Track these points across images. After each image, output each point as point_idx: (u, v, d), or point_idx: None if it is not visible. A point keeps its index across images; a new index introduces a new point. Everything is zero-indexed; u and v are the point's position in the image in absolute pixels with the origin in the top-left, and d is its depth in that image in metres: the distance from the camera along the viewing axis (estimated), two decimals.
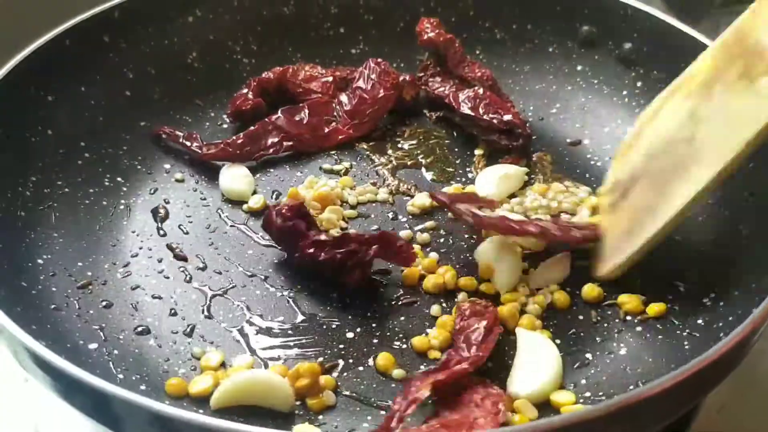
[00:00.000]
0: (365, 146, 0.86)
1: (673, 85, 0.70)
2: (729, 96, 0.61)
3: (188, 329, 0.67)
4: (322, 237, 0.70)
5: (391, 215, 0.78)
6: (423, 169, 0.83)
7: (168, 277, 0.72)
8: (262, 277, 0.72)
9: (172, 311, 0.69)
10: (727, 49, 0.63)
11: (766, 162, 0.71)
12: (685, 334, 0.65)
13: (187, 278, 0.72)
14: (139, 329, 0.67)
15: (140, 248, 0.74)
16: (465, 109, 0.85)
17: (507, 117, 0.83)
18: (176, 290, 0.71)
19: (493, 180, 0.79)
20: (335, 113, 0.88)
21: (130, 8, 0.87)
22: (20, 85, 0.78)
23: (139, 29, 0.89)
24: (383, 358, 0.64)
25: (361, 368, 0.64)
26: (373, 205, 0.79)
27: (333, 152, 0.85)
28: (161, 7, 0.90)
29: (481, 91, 0.86)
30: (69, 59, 0.82)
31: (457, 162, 0.84)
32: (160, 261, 0.73)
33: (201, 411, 0.60)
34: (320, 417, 0.60)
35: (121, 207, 0.78)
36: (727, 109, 0.62)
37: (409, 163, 0.84)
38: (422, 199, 0.79)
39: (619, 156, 0.74)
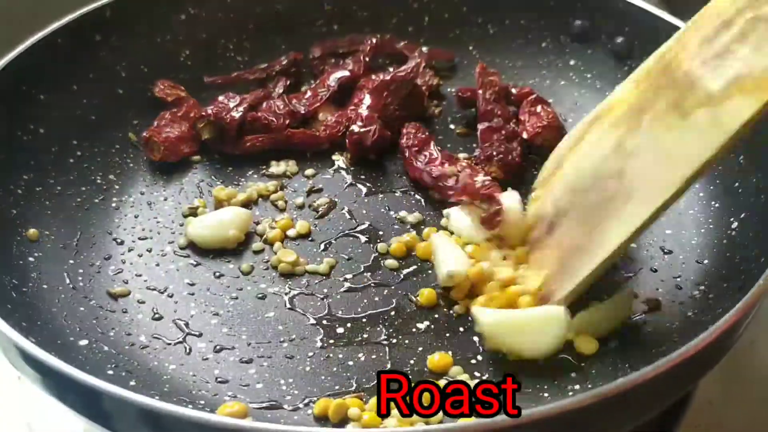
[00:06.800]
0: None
1: (595, 112, 0.66)
2: (660, 128, 0.58)
3: (181, 325, 0.67)
4: None
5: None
6: None
7: (159, 275, 0.72)
8: (250, 274, 0.72)
9: (163, 309, 0.69)
10: (653, 78, 0.60)
11: (756, 157, 0.71)
12: (674, 326, 0.65)
13: (179, 276, 0.72)
14: (129, 326, 0.67)
15: (132, 246, 0.74)
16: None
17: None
18: (167, 287, 0.71)
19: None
20: None
21: (122, 6, 0.88)
22: (12, 83, 0.78)
23: (131, 27, 0.89)
24: None
25: None
26: None
27: None
28: (153, 5, 0.90)
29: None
30: (61, 58, 0.83)
31: None
32: (151, 258, 0.73)
33: (191, 406, 0.60)
34: None
35: (113, 205, 0.78)
36: (660, 143, 0.58)
37: None
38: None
39: (539, 186, 0.70)
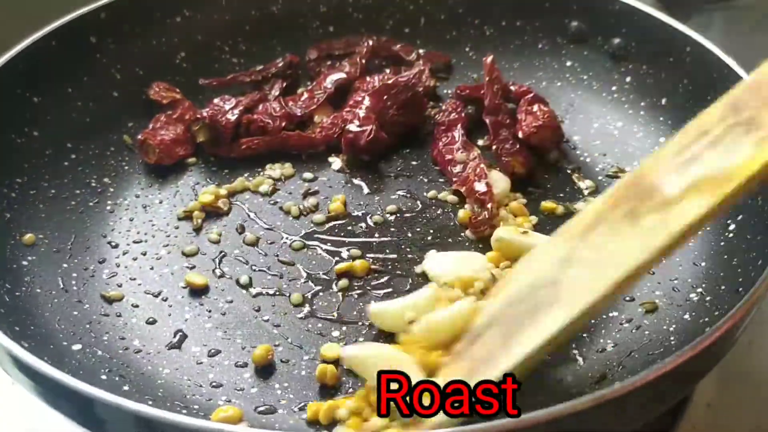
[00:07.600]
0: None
1: (561, 228, 0.59)
2: (608, 236, 0.54)
3: (175, 329, 0.67)
4: None
5: None
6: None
7: (153, 278, 0.72)
8: (247, 278, 0.72)
9: (157, 313, 0.69)
10: (621, 190, 0.56)
11: None
12: (671, 329, 0.65)
13: (173, 279, 0.71)
14: (123, 330, 0.67)
15: (126, 250, 0.74)
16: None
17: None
18: (162, 291, 0.70)
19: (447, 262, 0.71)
20: None
21: (117, 9, 0.87)
22: (6, 86, 0.78)
23: (127, 30, 0.88)
24: None
25: None
26: None
27: None
28: (148, 7, 0.90)
29: None
30: (55, 60, 0.82)
31: None
32: (145, 262, 0.73)
33: (185, 411, 0.60)
34: None
35: (108, 208, 0.78)
36: (602, 249, 0.53)
37: None
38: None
39: (489, 297, 0.62)
